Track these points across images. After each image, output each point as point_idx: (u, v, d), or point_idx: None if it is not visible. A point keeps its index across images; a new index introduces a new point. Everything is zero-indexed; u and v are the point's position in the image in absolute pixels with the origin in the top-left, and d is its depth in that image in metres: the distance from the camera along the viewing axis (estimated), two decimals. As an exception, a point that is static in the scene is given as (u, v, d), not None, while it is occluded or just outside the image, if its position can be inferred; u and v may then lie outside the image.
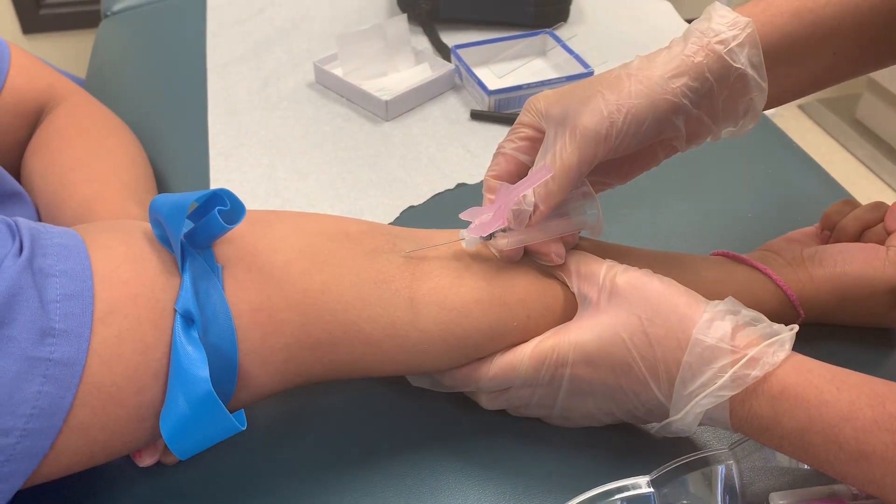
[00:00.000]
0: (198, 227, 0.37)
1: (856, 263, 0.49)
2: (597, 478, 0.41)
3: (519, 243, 0.44)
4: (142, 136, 0.68)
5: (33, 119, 0.63)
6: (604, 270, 0.43)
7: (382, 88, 0.78)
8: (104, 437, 0.35)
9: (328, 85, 0.81)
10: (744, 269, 0.51)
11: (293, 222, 0.42)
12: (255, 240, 0.40)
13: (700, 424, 0.40)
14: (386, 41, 0.80)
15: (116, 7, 1.01)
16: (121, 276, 0.35)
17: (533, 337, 0.43)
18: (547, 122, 0.44)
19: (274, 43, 0.90)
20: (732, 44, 0.42)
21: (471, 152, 0.73)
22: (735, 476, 0.41)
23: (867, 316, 0.51)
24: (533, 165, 0.45)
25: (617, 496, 0.40)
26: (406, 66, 0.83)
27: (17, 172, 0.62)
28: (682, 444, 0.45)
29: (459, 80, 0.82)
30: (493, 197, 0.46)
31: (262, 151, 0.72)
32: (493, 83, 0.79)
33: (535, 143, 0.45)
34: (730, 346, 0.39)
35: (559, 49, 0.83)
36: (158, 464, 0.43)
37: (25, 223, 0.35)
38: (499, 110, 0.77)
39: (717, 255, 0.53)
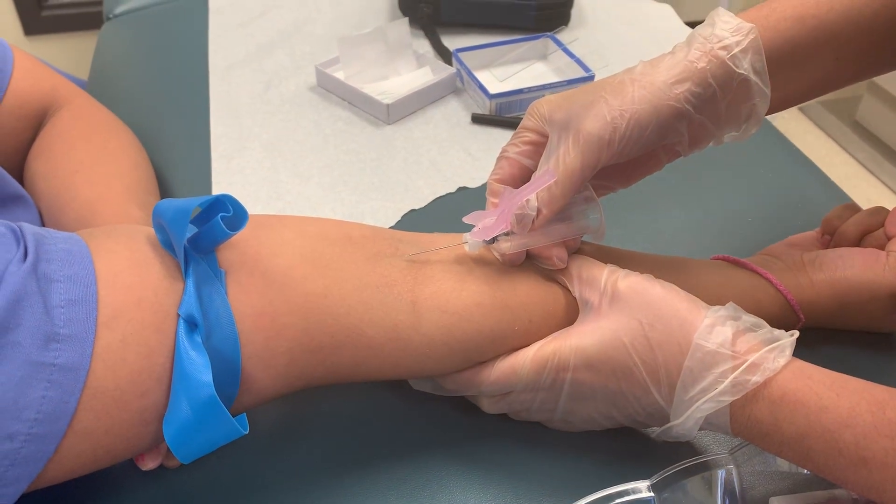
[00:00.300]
0: (201, 233, 0.38)
1: (856, 268, 0.49)
2: (597, 482, 0.42)
3: (522, 247, 0.44)
4: (144, 139, 0.69)
5: (36, 122, 0.63)
6: (605, 275, 0.43)
7: (384, 92, 0.79)
8: (108, 441, 0.35)
9: (330, 88, 0.81)
10: (744, 274, 0.51)
11: (296, 226, 0.43)
12: (257, 244, 0.40)
13: (700, 429, 0.40)
14: (387, 45, 0.81)
15: (119, 9, 1.01)
16: (125, 280, 0.36)
17: (535, 341, 0.43)
18: (550, 126, 0.44)
19: (276, 46, 0.90)
20: (736, 49, 0.42)
21: (472, 156, 0.73)
22: (735, 481, 0.41)
23: (867, 321, 0.51)
24: (536, 170, 0.45)
25: (617, 500, 0.40)
26: (407, 69, 0.83)
27: (20, 175, 0.63)
28: (682, 449, 0.45)
29: (461, 84, 0.82)
30: (496, 201, 0.46)
31: (263, 154, 0.72)
32: (494, 87, 0.79)
33: (539, 147, 0.45)
34: (730, 351, 0.39)
35: (560, 53, 0.84)
36: (161, 467, 0.43)
37: (30, 228, 0.36)
38: (500, 114, 0.77)
39: (718, 259, 0.53)
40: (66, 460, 0.34)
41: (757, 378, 0.38)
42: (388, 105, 0.75)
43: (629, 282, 0.42)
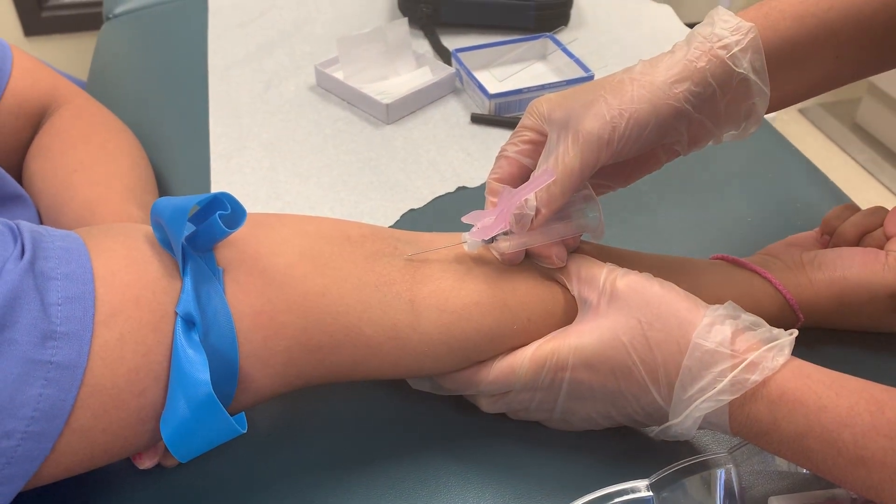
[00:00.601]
0: (199, 231, 0.38)
1: (855, 268, 0.49)
2: (596, 481, 0.42)
3: (521, 246, 0.44)
4: (143, 139, 0.69)
5: (35, 121, 0.63)
6: (604, 274, 0.43)
7: (383, 92, 0.79)
8: (105, 439, 0.35)
9: (329, 88, 0.81)
10: (743, 273, 0.51)
11: (294, 225, 0.43)
12: (256, 243, 0.40)
13: (699, 428, 0.40)
14: (387, 45, 0.81)
15: (118, 10, 1.02)
16: (122, 279, 0.36)
17: (533, 340, 0.43)
18: (549, 125, 0.44)
19: (275, 46, 0.90)
20: (735, 49, 0.42)
21: (471, 156, 0.73)
22: (734, 480, 0.41)
23: (866, 320, 0.51)
24: (535, 169, 0.45)
25: (616, 500, 0.40)
26: (407, 69, 0.83)
27: (18, 175, 0.63)
28: (681, 448, 0.45)
29: (460, 84, 0.82)
30: (495, 200, 0.46)
31: (263, 154, 0.72)
32: (493, 87, 0.79)
33: (538, 146, 0.45)
34: (729, 350, 0.39)
35: (559, 53, 0.84)
36: (158, 466, 0.43)
37: (27, 226, 0.35)
38: (499, 114, 0.77)
39: (718, 258, 0.53)
40: (62, 458, 0.34)
41: (756, 377, 0.38)
42: (387, 105, 0.75)
43: (628, 281, 0.42)
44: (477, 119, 0.77)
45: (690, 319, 0.40)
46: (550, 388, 0.43)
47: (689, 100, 0.42)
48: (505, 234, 0.44)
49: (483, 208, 0.47)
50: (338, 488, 0.44)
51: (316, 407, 0.48)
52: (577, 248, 0.47)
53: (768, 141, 0.76)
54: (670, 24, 0.96)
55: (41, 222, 0.58)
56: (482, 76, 0.81)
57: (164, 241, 0.38)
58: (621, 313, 0.41)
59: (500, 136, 0.75)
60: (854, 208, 0.55)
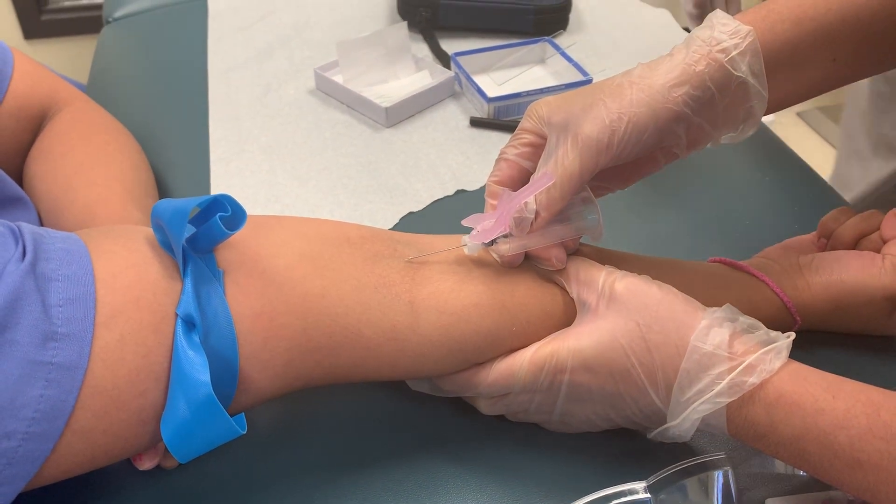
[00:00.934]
0: (199, 233, 0.38)
1: (852, 271, 0.50)
2: (594, 483, 0.42)
3: (520, 249, 0.44)
4: (143, 142, 0.69)
5: (36, 124, 0.63)
6: (603, 276, 0.43)
7: (382, 95, 0.79)
8: (105, 440, 0.35)
9: (329, 92, 0.82)
10: (741, 276, 0.51)
11: (294, 227, 0.43)
12: (256, 245, 0.40)
13: (697, 430, 0.40)
14: (386, 48, 0.81)
15: (118, 13, 1.02)
16: (123, 280, 0.36)
17: (532, 342, 0.43)
18: (549, 128, 0.44)
19: (275, 50, 0.90)
20: (734, 52, 0.42)
21: (470, 159, 0.73)
22: (732, 482, 0.41)
23: (863, 323, 0.51)
24: (535, 171, 0.45)
25: (614, 501, 0.41)
26: (406, 73, 0.83)
27: (19, 177, 0.63)
28: (679, 450, 0.45)
29: (459, 88, 0.82)
30: (495, 202, 0.46)
31: (262, 157, 0.73)
32: (492, 90, 0.79)
33: (538, 148, 0.46)
34: (727, 353, 0.39)
35: (558, 57, 0.84)
36: (158, 467, 0.43)
37: (28, 228, 0.36)
38: (498, 117, 0.78)
39: (715, 261, 0.53)
40: (63, 459, 0.34)
41: (753, 380, 0.38)
42: (386, 108, 0.75)
43: (626, 283, 0.42)
44: (476, 122, 0.77)
45: (688, 322, 0.40)
46: (549, 390, 0.43)
47: (687, 103, 0.42)
48: (504, 236, 0.44)
49: (482, 211, 0.47)
50: (337, 489, 0.44)
51: (315, 408, 0.48)
52: (576, 251, 0.47)
53: (766, 144, 0.76)
54: (668, 29, 0.97)
55: (42, 224, 0.58)
56: (481, 80, 0.81)
57: (165, 243, 0.38)
58: (620, 315, 0.41)
59: (498, 140, 0.75)
60: (850, 212, 0.55)
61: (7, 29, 1.82)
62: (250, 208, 0.65)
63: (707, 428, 0.40)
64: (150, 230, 0.40)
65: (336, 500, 0.43)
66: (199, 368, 0.35)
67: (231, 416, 0.36)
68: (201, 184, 0.69)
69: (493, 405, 0.45)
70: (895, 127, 0.92)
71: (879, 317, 0.50)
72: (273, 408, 0.48)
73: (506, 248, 0.44)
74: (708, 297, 0.44)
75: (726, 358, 0.39)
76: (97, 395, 0.34)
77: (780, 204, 0.68)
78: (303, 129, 0.77)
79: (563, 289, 0.45)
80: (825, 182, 0.72)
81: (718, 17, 0.43)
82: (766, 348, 0.39)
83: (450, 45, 0.89)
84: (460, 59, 0.82)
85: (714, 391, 0.39)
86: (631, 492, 0.41)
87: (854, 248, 0.54)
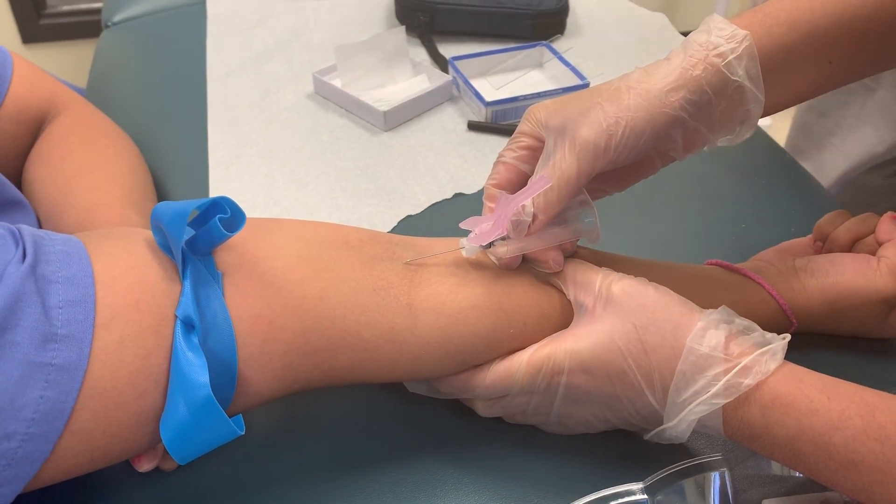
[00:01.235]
0: (199, 235, 0.38)
1: (847, 274, 0.50)
2: (591, 484, 0.42)
3: (518, 251, 0.44)
4: (142, 146, 0.69)
5: (35, 128, 0.64)
6: (600, 279, 0.43)
7: (381, 99, 0.79)
8: (105, 441, 0.35)
9: (327, 95, 0.82)
10: (737, 279, 0.51)
11: (293, 230, 0.43)
12: (255, 247, 0.41)
13: (693, 431, 0.41)
14: (384, 53, 0.81)
15: (117, 17, 1.02)
16: (123, 282, 0.36)
17: (530, 344, 0.43)
18: (546, 131, 0.44)
19: (274, 54, 0.90)
20: (730, 57, 0.42)
21: (468, 162, 0.73)
22: (728, 483, 0.41)
23: (859, 325, 0.51)
24: (533, 175, 0.45)
25: (612, 502, 0.41)
26: (404, 77, 0.84)
27: (18, 181, 0.63)
28: (676, 451, 0.45)
29: (457, 92, 0.83)
30: (493, 205, 0.46)
31: (261, 161, 0.73)
32: (490, 94, 0.80)
33: (535, 152, 0.46)
34: (723, 354, 0.39)
35: (556, 61, 0.84)
36: (157, 469, 0.43)
37: (28, 230, 0.36)
38: (496, 121, 0.78)
39: (712, 264, 0.53)
40: (62, 461, 0.34)
41: (749, 381, 0.38)
42: (384, 112, 0.76)
43: (623, 285, 0.42)
44: (474, 126, 0.78)
45: (685, 324, 0.41)
46: (547, 391, 0.43)
47: (684, 108, 0.42)
48: (502, 239, 0.45)
49: (480, 214, 0.47)
50: (335, 491, 0.44)
51: (313, 410, 0.48)
52: (573, 253, 0.48)
53: (762, 148, 0.76)
54: (665, 33, 0.97)
55: (41, 228, 0.58)
56: (479, 84, 0.82)
57: (164, 245, 0.38)
58: (617, 317, 0.42)
59: (496, 144, 0.76)
60: (846, 215, 0.56)
61: (5, 33, 1.82)
62: (249, 212, 0.65)
63: (703, 429, 0.41)
64: (150, 232, 0.40)
65: (334, 502, 0.43)
66: (198, 370, 0.35)
67: (230, 417, 0.36)
68: (200, 187, 0.69)
69: (491, 407, 0.45)
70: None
71: (874, 319, 0.51)
72: (271, 409, 0.48)
73: (503, 251, 0.44)
74: (704, 299, 0.44)
75: (722, 359, 0.39)
76: (97, 397, 0.34)
77: (776, 207, 0.68)
78: (301, 133, 0.77)
79: (560, 291, 0.45)
80: (821, 185, 0.72)
81: (715, 22, 0.44)
82: (761, 350, 0.39)
83: (448, 50, 0.89)
84: (458, 64, 0.82)
85: (710, 392, 0.39)
86: (628, 493, 0.41)
87: (850, 251, 0.54)
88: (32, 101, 0.63)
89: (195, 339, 0.36)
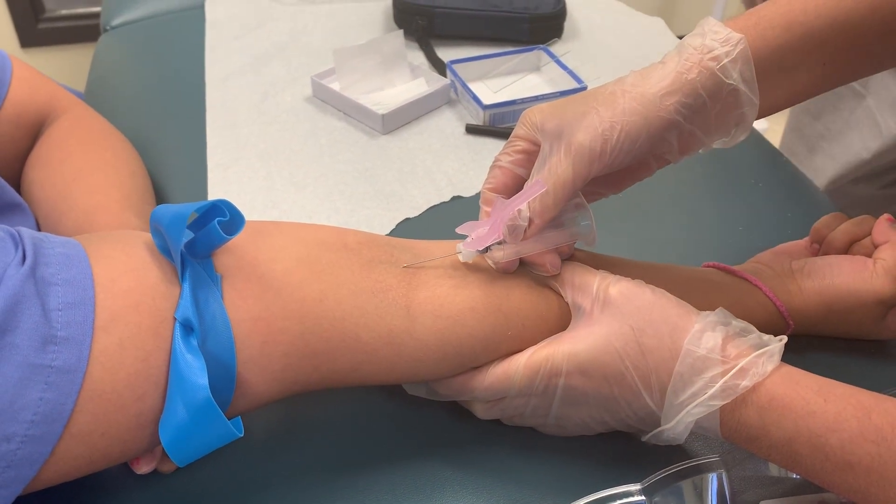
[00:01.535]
0: (198, 238, 0.38)
1: (844, 275, 0.50)
2: (589, 485, 0.42)
3: (514, 255, 0.45)
4: (141, 149, 0.69)
5: (34, 131, 0.64)
6: (597, 281, 0.43)
7: (379, 102, 0.79)
8: (104, 443, 0.35)
9: (325, 99, 0.82)
10: (734, 281, 0.51)
11: (292, 232, 0.43)
12: (254, 250, 0.41)
13: (691, 433, 0.41)
14: (382, 56, 0.81)
15: (116, 21, 1.02)
16: (122, 284, 0.36)
17: (528, 346, 0.44)
18: (542, 135, 0.44)
19: (272, 57, 0.91)
20: (725, 60, 0.42)
21: (466, 165, 0.73)
22: (726, 484, 0.41)
23: (855, 327, 0.52)
24: (529, 178, 0.46)
25: (609, 504, 0.41)
26: (402, 80, 0.84)
27: (17, 184, 0.63)
28: (674, 453, 0.45)
29: (455, 95, 0.83)
30: (489, 209, 0.46)
31: (259, 164, 0.73)
32: (487, 98, 0.80)
33: (531, 155, 0.46)
34: (720, 356, 0.39)
35: (553, 65, 0.85)
36: (155, 471, 0.43)
37: (28, 233, 0.36)
38: (493, 124, 0.78)
39: (709, 266, 0.54)
40: (62, 462, 0.34)
41: (746, 383, 0.39)
42: (382, 115, 0.76)
43: (620, 287, 0.43)
44: (471, 129, 0.78)
45: (682, 326, 0.41)
46: (545, 393, 0.43)
47: (679, 111, 0.42)
48: (499, 243, 0.45)
49: (477, 217, 0.47)
50: (333, 493, 0.44)
51: (312, 412, 0.48)
52: (570, 256, 0.48)
53: (759, 151, 0.77)
54: (662, 37, 0.97)
55: (40, 230, 0.58)
56: (477, 87, 0.82)
57: (163, 248, 0.39)
58: (614, 320, 0.42)
59: (494, 147, 0.76)
60: (842, 217, 0.56)
61: (3, 38, 1.82)
62: (247, 214, 0.65)
63: (700, 430, 0.41)
64: (149, 235, 0.40)
65: (333, 503, 0.43)
66: (197, 372, 0.35)
67: (228, 419, 0.36)
68: (199, 190, 0.70)
69: (489, 409, 0.45)
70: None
71: (870, 321, 0.51)
72: (270, 411, 0.48)
73: (500, 255, 0.44)
74: (701, 301, 0.44)
75: (719, 361, 0.39)
76: (96, 399, 0.34)
77: (772, 210, 0.68)
78: (300, 136, 0.77)
79: (558, 293, 0.45)
80: (817, 188, 0.73)
81: (710, 25, 0.44)
82: (758, 352, 0.39)
83: (445, 53, 0.90)
84: (456, 67, 0.82)
85: (707, 394, 0.39)
86: (626, 494, 0.41)
87: (846, 254, 0.54)
88: (32, 104, 0.63)
89: (194, 342, 0.36)
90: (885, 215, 0.53)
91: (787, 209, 0.68)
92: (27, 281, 0.33)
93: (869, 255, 0.52)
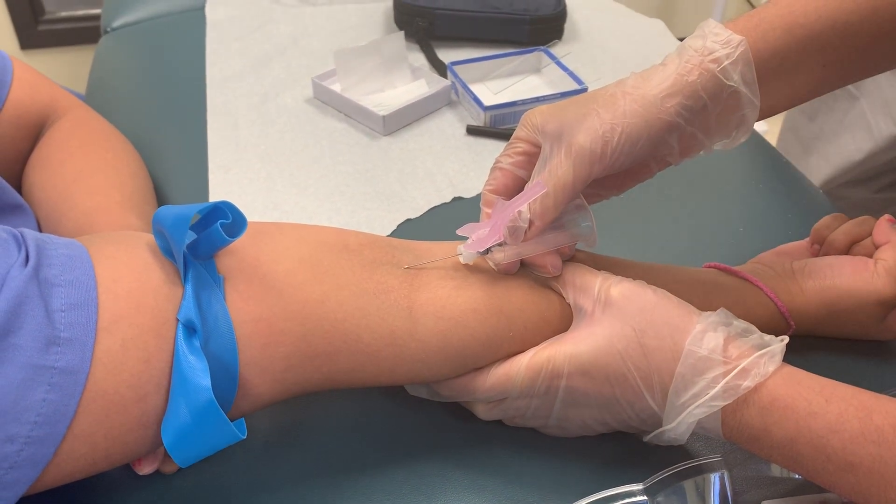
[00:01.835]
0: (200, 239, 0.38)
1: (844, 276, 0.50)
2: (591, 486, 0.42)
3: (515, 257, 0.45)
4: (142, 150, 0.69)
5: (35, 132, 0.64)
6: (599, 282, 0.44)
7: (380, 104, 0.79)
8: (106, 444, 0.35)
9: (326, 100, 0.82)
10: (735, 282, 0.51)
11: (294, 234, 0.43)
12: (256, 251, 0.41)
13: (692, 433, 0.41)
14: (383, 58, 0.82)
15: (117, 23, 1.02)
16: (125, 286, 0.36)
17: (529, 347, 0.44)
18: (543, 137, 0.44)
19: (273, 59, 0.91)
20: (726, 62, 0.42)
21: (466, 166, 0.74)
22: (728, 484, 0.41)
23: (856, 328, 0.52)
24: (529, 180, 0.46)
25: (612, 503, 0.41)
26: (403, 82, 0.84)
27: (18, 185, 0.63)
28: (676, 453, 0.45)
29: (455, 96, 0.83)
30: (489, 211, 0.46)
31: (260, 165, 0.73)
32: (488, 99, 0.80)
33: (532, 157, 0.46)
34: (722, 357, 0.39)
35: (553, 66, 0.85)
36: (157, 472, 0.43)
37: (31, 234, 0.36)
38: (494, 126, 0.78)
39: (710, 267, 0.54)
40: (64, 463, 0.34)
41: (748, 383, 0.39)
42: (383, 117, 0.76)
43: (622, 288, 0.43)
44: (472, 131, 0.78)
45: (683, 326, 0.41)
46: (546, 395, 0.43)
47: (680, 113, 0.42)
48: (499, 245, 0.45)
49: (478, 219, 0.47)
50: (335, 494, 0.44)
51: (314, 413, 0.48)
52: (571, 257, 0.48)
53: (759, 153, 0.77)
54: (662, 38, 0.98)
55: (41, 231, 0.58)
56: (477, 89, 0.82)
57: (166, 249, 0.39)
58: (616, 321, 0.42)
59: (495, 148, 0.76)
60: (843, 218, 0.56)
61: (3, 40, 1.82)
62: (249, 215, 0.65)
63: (702, 431, 0.41)
64: (151, 236, 0.40)
65: (335, 505, 0.43)
66: (199, 373, 0.35)
67: (231, 421, 0.36)
68: (200, 191, 0.70)
69: (491, 410, 0.45)
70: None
71: (871, 321, 0.51)
72: (272, 413, 0.48)
73: (501, 257, 0.44)
74: (703, 301, 0.44)
75: (721, 362, 0.39)
76: (99, 400, 0.34)
77: (773, 210, 0.68)
78: (301, 138, 0.77)
79: (559, 294, 0.46)
80: (818, 189, 0.73)
81: (710, 27, 0.44)
82: (760, 352, 0.40)
83: (446, 55, 0.90)
84: (457, 69, 0.82)
85: (709, 395, 0.39)
86: (628, 494, 0.41)
87: (847, 254, 0.54)
88: (32, 105, 0.63)
89: (197, 343, 0.36)
90: (886, 216, 0.53)
91: (788, 210, 0.68)
92: (30, 282, 0.33)
93: (870, 256, 0.52)
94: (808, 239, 0.57)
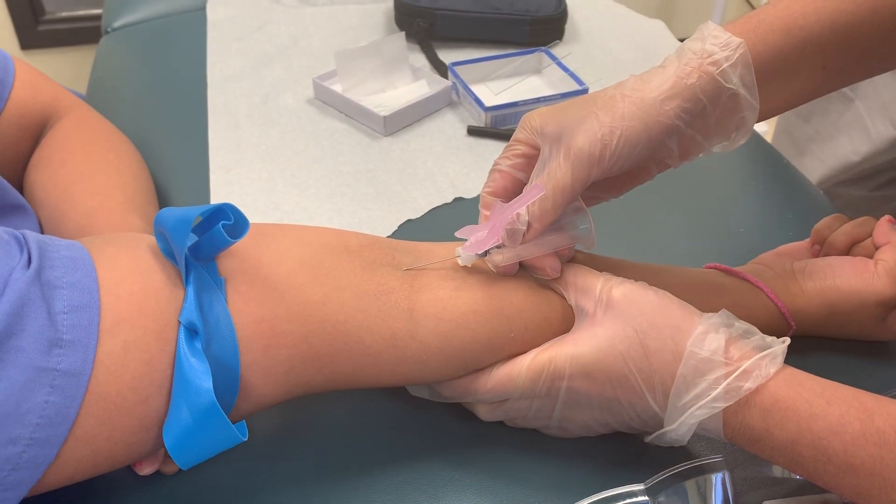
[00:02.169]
0: (202, 241, 0.38)
1: (845, 277, 0.50)
2: (593, 486, 0.42)
3: (514, 259, 0.45)
4: (143, 150, 0.69)
5: (37, 132, 0.64)
6: (600, 283, 0.44)
7: (381, 104, 0.79)
8: (108, 446, 0.35)
9: (327, 101, 0.82)
10: (736, 282, 0.51)
11: (295, 235, 0.43)
12: (257, 252, 0.41)
13: (694, 434, 0.41)
14: (384, 58, 0.82)
15: (117, 23, 1.02)
16: (126, 288, 0.36)
17: (531, 348, 0.44)
18: (542, 139, 0.44)
19: (273, 59, 0.91)
20: (725, 65, 0.42)
21: (467, 167, 0.74)
22: (729, 485, 0.41)
23: (856, 328, 0.52)
24: (528, 182, 0.46)
25: (613, 504, 0.41)
26: (404, 82, 0.84)
27: (20, 185, 0.63)
28: (677, 453, 0.45)
29: (456, 97, 0.83)
30: (488, 213, 0.46)
31: (261, 166, 0.73)
32: (489, 100, 0.80)
33: (531, 159, 0.46)
34: (723, 358, 0.40)
35: (554, 67, 0.85)
36: (158, 473, 0.43)
37: (33, 236, 0.36)
38: (495, 126, 0.78)
39: (710, 268, 0.54)
40: (66, 465, 0.34)
41: (749, 385, 0.39)
42: (384, 117, 0.76)
43: (623, 290, 0.43)
44: (473, 131, 0.78)
45: (685, 328, 0.41)
46: (548, 396, 0.43)
47: (679, 116, 0.42)
48: (498, 247, 0.45)
49: (478, 220, 0.47)
50: (337, 495, 0.44)
51: (315, 414, 0.48)
52: (572, 258, 0.48)
53: (760, 154, 0.77)
54: (662, 39, 0.98)
55: (42, 232, 0.58)
56: (478, 89, 0.82)
57: (167, 251, 0.39)
58: (617, 322, 0.42)
59: (495, 149, 0.76)
60: (843, 219, 0.56)
61: (3, 40, 1.82)
62: (250, 216, 0.65)
63: (704, 432, 0.41)
64: (153, 238, 0.40)
65: (336, 506, 0.43)
66: (201, 375, 0.35)
67: (232, 422, 0.36)
68: (201, 192, 0.70)
69: (492, 411, 0.45)
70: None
71: (872, 322, 0.51)
72: (273, 414, 0.48)
73: (499, 259, 0.44)
74: (704, 302, 0.44)
75: (722, 363, 0.39)
76: (101, 402, 0.34)
77: (774, 211, 0.68)
78: (301, 138, 0.77)
79: (560, 295, 0.46)
80: (818, 190, 0.73)
81: (710, 29, 0.44)
82: (761, 354, 0.40)
83: (447, 56, 0.90)
84: (457, 69, 0.83)
85: (710, 396, 0.39)
86: (629, 494, 0.41)
87: (847, 255, 0.54)
88: (34, 105, 0.63)
89: (198, 345, 0.36)
90: (886, 217, 0.53)
91: (788, 211, 0.68)
92: (33, 284, 0.33)
93: (870, 257, 0.52)
94: (808, 239, 0.58)
